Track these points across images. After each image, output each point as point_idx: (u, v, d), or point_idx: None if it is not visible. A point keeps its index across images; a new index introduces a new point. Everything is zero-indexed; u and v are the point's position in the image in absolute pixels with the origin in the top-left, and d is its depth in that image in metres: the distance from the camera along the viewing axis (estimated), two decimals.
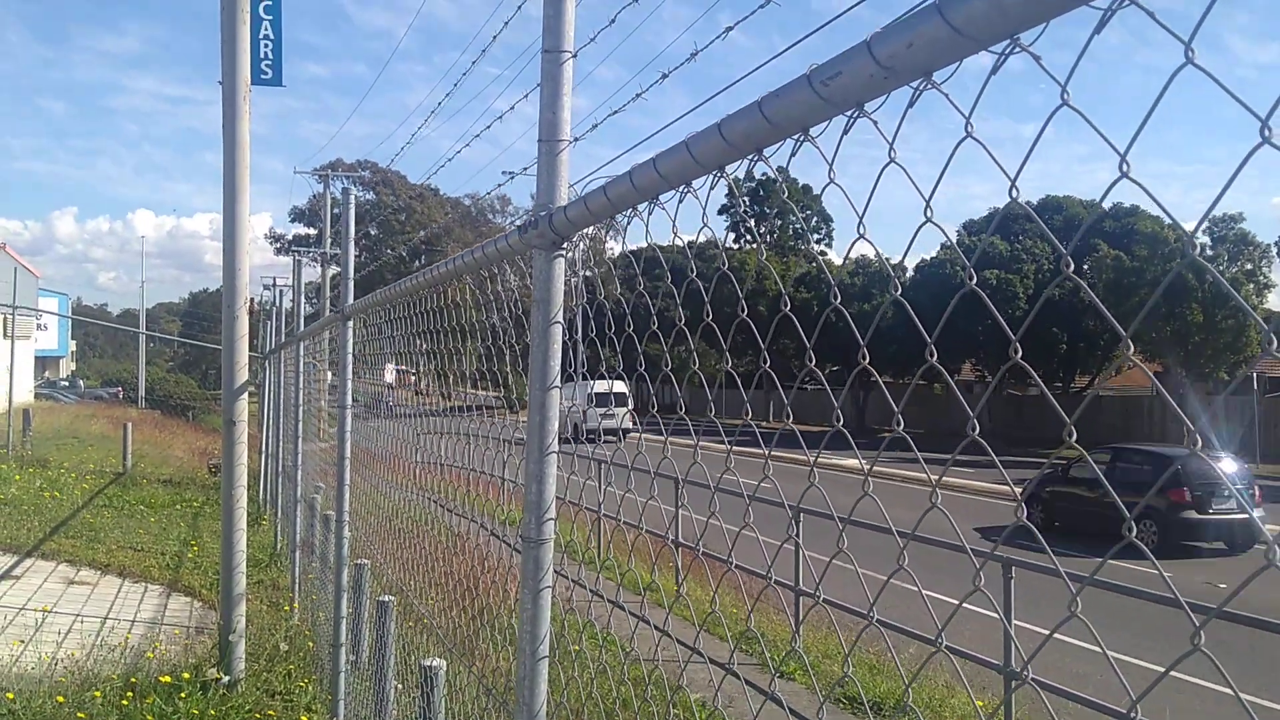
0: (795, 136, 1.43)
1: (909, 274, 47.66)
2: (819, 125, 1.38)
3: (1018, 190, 1.11)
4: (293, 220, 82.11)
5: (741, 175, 1.65)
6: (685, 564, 13.03)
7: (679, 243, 2.10)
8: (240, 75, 7.80)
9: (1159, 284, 37.56)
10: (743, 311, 1.80)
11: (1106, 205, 47.03)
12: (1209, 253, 36.82)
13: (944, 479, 1.27)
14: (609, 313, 2.78)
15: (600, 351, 2.81)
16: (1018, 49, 1.01)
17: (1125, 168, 0.96)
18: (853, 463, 23.66)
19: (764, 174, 1.63)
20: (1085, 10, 0.95)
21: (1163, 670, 1.15)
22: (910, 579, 1.58)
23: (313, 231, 71.43)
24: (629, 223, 2.20)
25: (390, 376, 6.67)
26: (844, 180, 1.48)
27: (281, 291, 18.59)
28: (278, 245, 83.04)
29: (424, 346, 4.28)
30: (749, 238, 69.73)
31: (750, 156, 1.55)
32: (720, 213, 58.10)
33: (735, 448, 2.11)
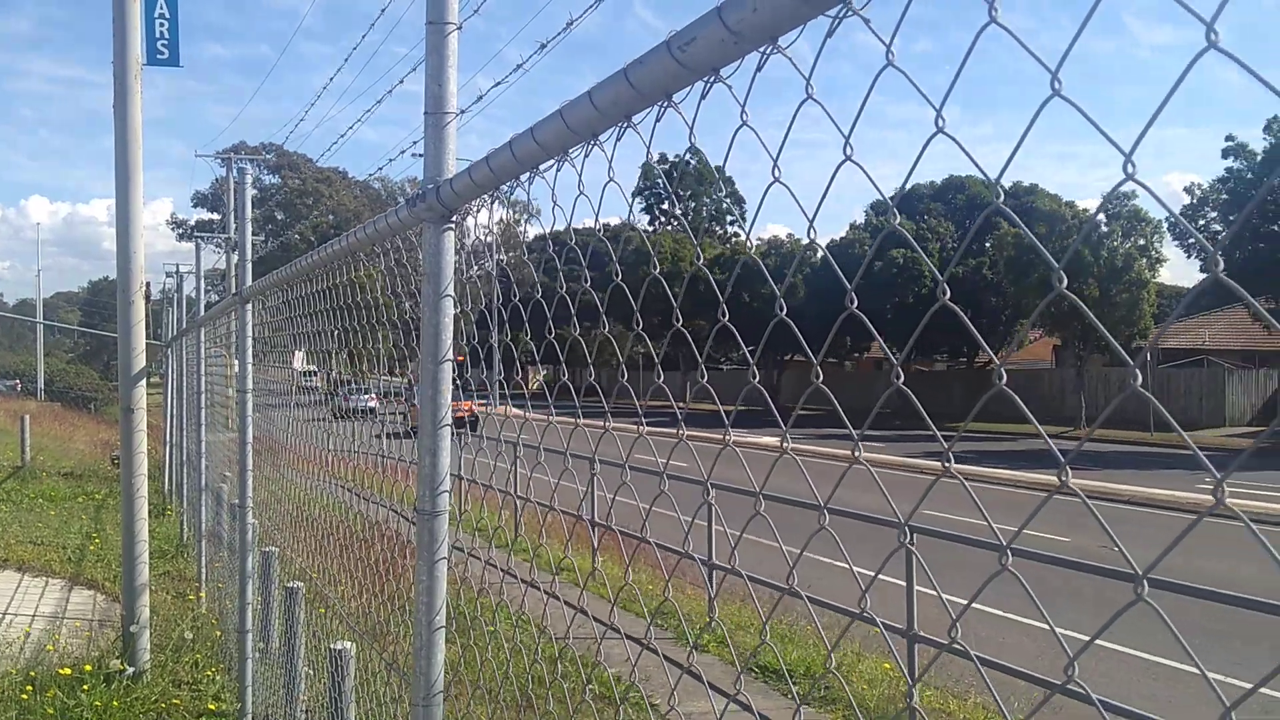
0: (660, 103, 1.47)
1: (819, 254, 48.28)
2: (681, 91, 1.42)
3: (888, 200, 1.15)
4: (195, 205, 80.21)
5: (657, 156, 1.68)
6: (600, 540, 13.09)
7: (569, 217, 2.12)
8: (131, 54, 7.60)
9: (1057, 260, 38.55)
10: (652, 275, 1.83)
11: (1006, 184, 48.16)
12: (1103, 229, 37.95)
13: (859, 454, 1.32)
14: (516, 296, 2.79)
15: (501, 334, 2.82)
16: (850, 13, 1.06)
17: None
18: (770, 440, 24.02)
19: (677, 155, 1.66)
20: None
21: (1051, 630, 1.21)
22: (829, 552, 1.63)
23: (216, 216, 69.77)
24: (514, 193, 2.21)
25: (299, 363, 6.59)
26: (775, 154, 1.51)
27: (183, 278, 18.17)
28: (180, 231, 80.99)
29: (332, 329, 4.25)
30: (664, 220, 69.99)
31: (620, 124, 1.58)
32: (634, 195, 58.09)
33: (651, 429, 2.14)
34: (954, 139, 1.07)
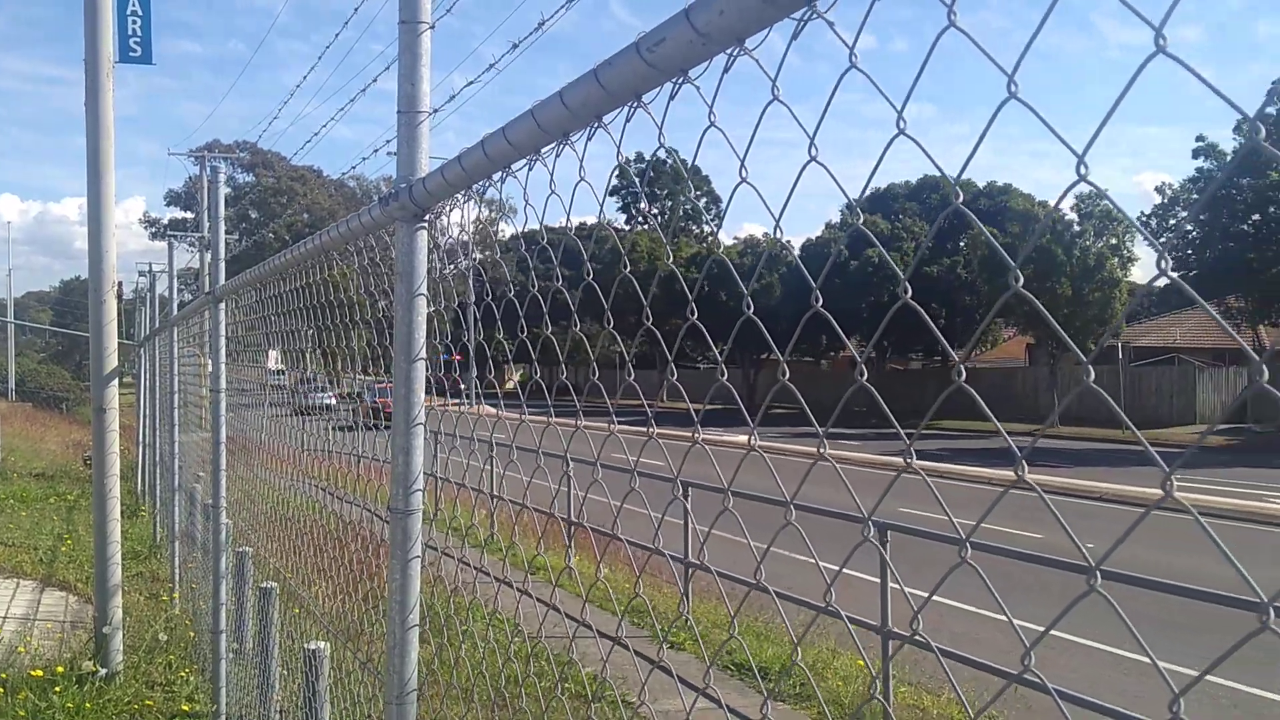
0: (630, 103, 1.48)
1: (796, 252, 48.43)
2: (651, 92, 1.43)
3: (853, 204, 1.17)
4: (168, 204, 79.47)
5: (633, 154, 1.69)
6: (572, 538, 13.10)
7: (542, 216, 2.13)
8: (103, 52, 7.55)
9: (1031, 260, 38.95)
10: (625, 273, 1.84)
11: (980, 184, 48.56)
12: (1075, 228, 38.29)
13: (831, 451, 1.33)
14: (491, 294, 2.79)
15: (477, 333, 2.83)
16: (815, 15, 1.07)
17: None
18: (741, 438, 24.10)
19: (656, 151, 1.66)
20: None
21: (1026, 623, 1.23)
22: (804, 550, 1.64)
23: (190, 215, 69.24)
24: (486, 192, 2.22)
25: (274, 363, 6.57)
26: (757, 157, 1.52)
27: (156, 277, 18.04)
28: (153, 230, 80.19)
29: (305, 328, 4.24)
30: (641, 218, 69.97)
31: (591, 124, 1.60)
32: (611, 194, 58.10)
33: (624, 427, 2.15)
34: (915, 140, 1.09)
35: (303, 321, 4.10)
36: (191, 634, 7.99)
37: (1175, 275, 0.84)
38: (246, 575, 5.83)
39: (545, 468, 2.62)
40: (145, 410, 16.78)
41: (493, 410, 3.03)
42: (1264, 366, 0.78)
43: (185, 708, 6.67)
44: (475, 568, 3.46)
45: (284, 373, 5.87)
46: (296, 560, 5.02)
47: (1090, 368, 0.97)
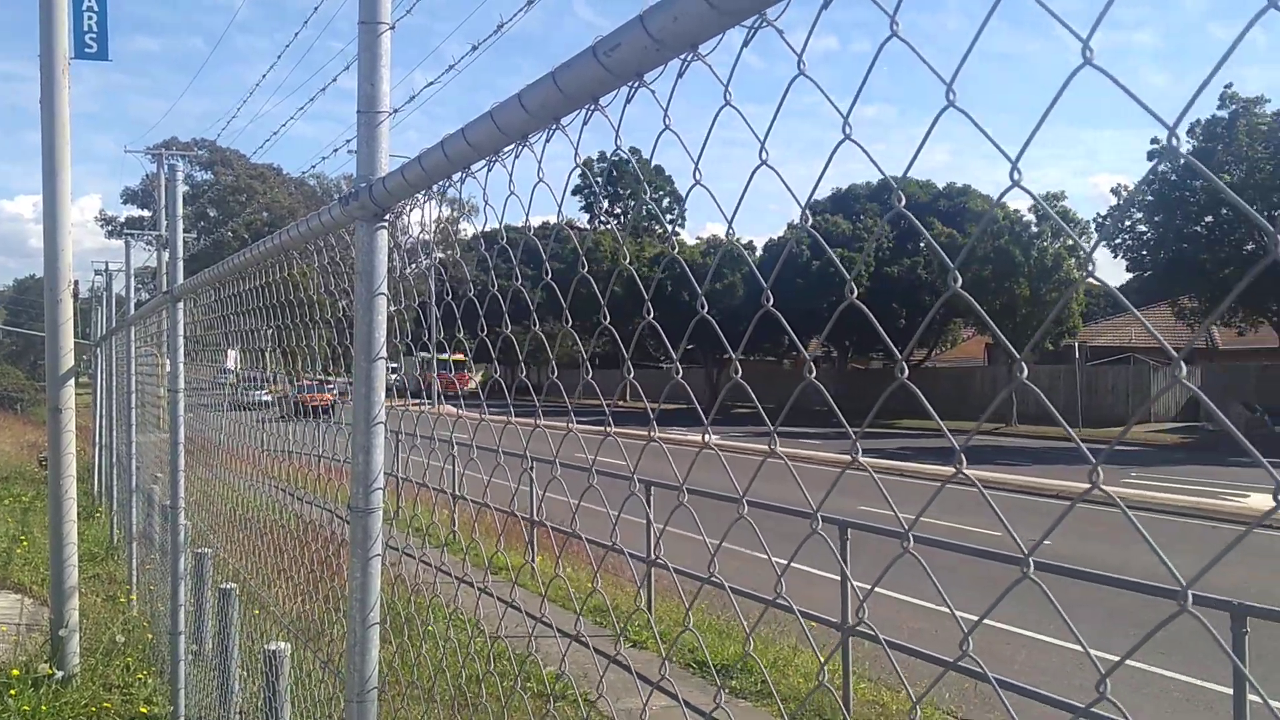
0: (587, 106, 1.50)
1: (758, 253, 48.68)
2: (607, 95, 1.45)
3: (802, 208, 1.20)
4: (125, 202, 78.43)
5: (596, 154, 1.71)
6: (535, 537, 13.10)
7: (501, 216, 2.15)
8: (59, 47, 7.47)
9: (989, 260, 39.43)
10: (584, 271, 1.86)
11: (940, 185, 49.05)
12: (1033, 229, 38.78)
13: (794, 451, 1.36)
14: (452, 294, 2.80)
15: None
16: (765, 24, 1.10)
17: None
18: (698, 438, 24.13)
19: (615, 154, 1.68)
20: None
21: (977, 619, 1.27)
22: (766, 548, 1.67)
23: (147, 213, 68.35)
24: (447, 191, 2.23)
25: (232, 363, 6.54)
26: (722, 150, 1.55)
27: (113, 276, 17.81)
28: (109, 228, 79.14)
29: (264, 328, 4.23)
30: (604, 219, 70.00)
31: (550, 126, 1.62)
32: (574, 193, 58.02)
33: (583, 426, 2.17)
34: (860, 145, 1.12)
35: (261, 321, 4.08)
36: (150, 636, 7.92)
37: (1100, 279, 0.88)
38: (206, 576, 5.79)
39: (505, 466, 2.64)
40: (102, 411, 16.58)
41: (453, 410, 3.05)
42: (1183, 363, 0.82)
43: (143, 710, 6.62)
44: (436, 567, 3.48)
45: (229, 372, 6.06)
46: (257, 561, 5.00)
47: (1025, 364, 1.00)
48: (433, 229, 2.80)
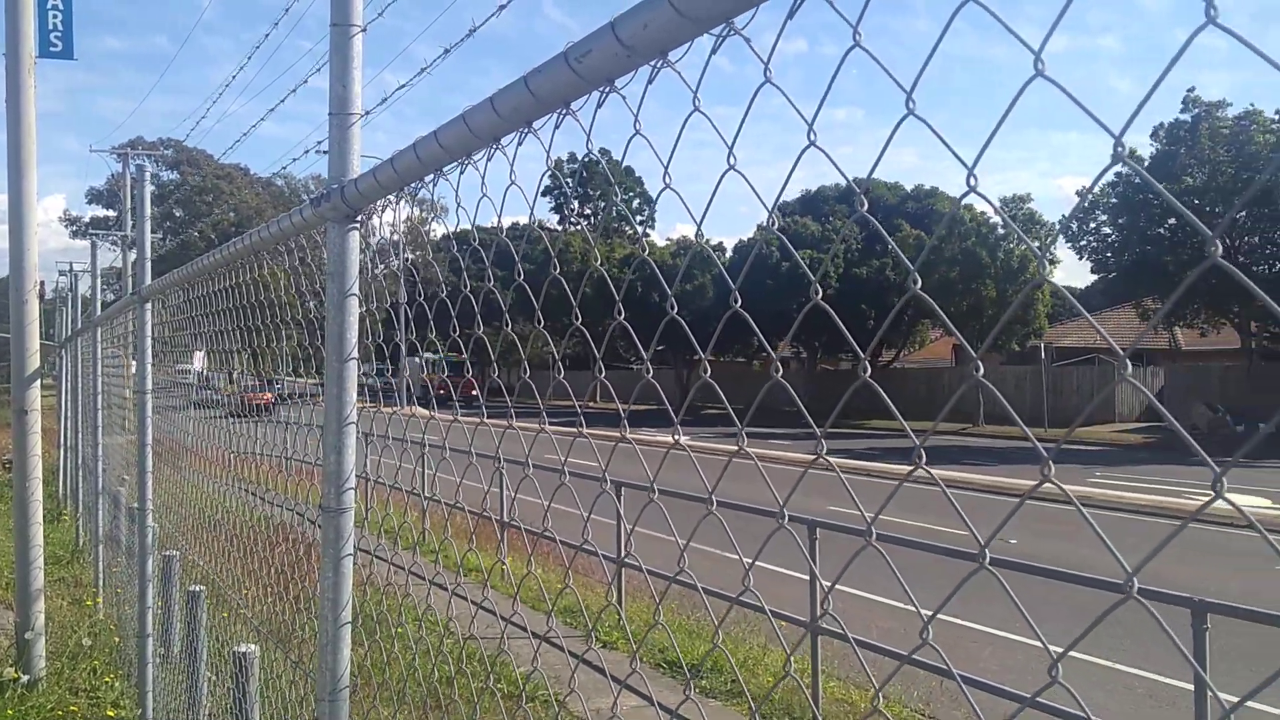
0: (559, 110, 1.53)
1: (728, 254, 48.83)
2: (579, 100, 1.48)
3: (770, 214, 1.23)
4: (90, 202, 77.54)
5: (566, 155, 1.73)
6: (506, 538, 13.09)
7: (474, 217, 2.17)
8: (24, 46, 7.41)
9: (957, 261, 39.77)
10: (556, 272, 1.88)
11: (908, 187, 49.40)
12: (1000, 231, 39.15)
13: (763, 451, 1.39)
14: (423, 295, 2.81)
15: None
16: (732, 32, 1.13)
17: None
18: (669, 439, 24.16)
19: (586, 155, 1.70)
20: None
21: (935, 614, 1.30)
22: (737, 548, 1.69)
23: (112, 213, 67.62)
24: (419, 193, 2.25)
25: (200, 364, 6.52)
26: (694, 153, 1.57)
27: (78, 276, 17.63)
28: (74, 228, 78.23)
29: (232, 329, 4.22)
30: (574, 219, 69.97)
31: (521, 129, 1.64)
32: (544, 194, 57.93)
33: (555, 427, 2.18)
34: (823, 151, 1.16)
35: (230, 322, 4.07)
36: (116, 639, 7.86)
37: (1057, 283, 0.91)
38: (173, 578, 5.76)
39: (478, 466, 2.66)
40: (67, 413, 16.41)
41: (425, 411, 3.06)
42: (1128, 361, 0.86)
43: (110, 713, 6.57)
44: (407, 570, 3.49)
45: (187, 371, 6.29)
46: (226, 563, 4.99)
47: (981, 365, 1.03)
48: (402, 229, 2.81)
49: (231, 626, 5.15)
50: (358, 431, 2.57)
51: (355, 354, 2.50)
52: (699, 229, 1.41)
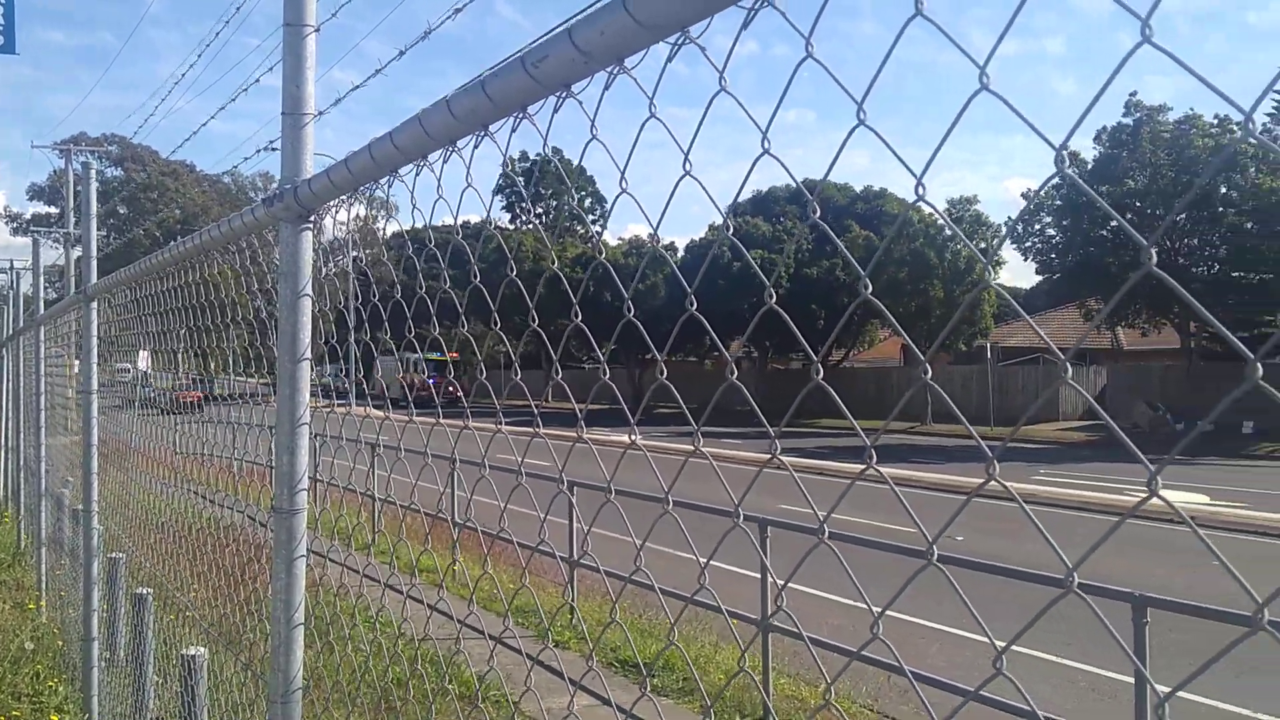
0: (515, 114, 1.54)
1: (680, 254, 48.96)
2: (535, 104, 1.49)
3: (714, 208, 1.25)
4: (31, 198, 76.21)
5: (518, 154, 1.74)
6: (459, 539, 13.04)
7: (429, 218, 2.17)
8: None
9: (905, 263, 40.23)
10: (508, 277, 1.89)
11: (858, 188, 49.83)
12: (946, 233, 39.66)
13: (717, 451, 1.41)
14: (376, 295, 2.81)
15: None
16: (688, 41, 1.16)
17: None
18: (625, 438, 24.22)
19: (538, 154, 1.71)
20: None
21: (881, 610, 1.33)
22: (690, 548, 1.71)
23: (55, 210, 66.37)
24: (374, 193, 2.25)
25: (145, 364, 6.45)
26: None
27: (19, 274, 17.27)
28: (15, 225, 76.73)
29: (180, 328, 4.17)
30: (525, 218, 69.73)
31: (478, 132, 1.65)
32: (496, 193, 57.55)
33: (511, 427, 2.19)
34: (776, 158, 1.18)
35: (178, 321, 4.03)
36: (60, 643, 7.73)
37: (998, 285, 0.94)
38: (119, 581, 5.68)
39: (433, 466, 2.66)
40: (8, 413, 16.07)
41: (379, 412, 3.05)
42: (1068, 364, 0.89)
43: (54, 718, 6.46)
44: (359, 573, 3.47)
45: (127, 369, 6.39)
46: (174, 564, 4.93)
47: (928, 366, 1.06)
48: (351, 228, 2.80)
49: (179, 629, 5.09)
50: (311, 432, 2.56)
51: (308, 354, 2.49)
52: (654, 232, 1.44)
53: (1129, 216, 35.33)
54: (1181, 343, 39.42)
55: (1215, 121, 34.52)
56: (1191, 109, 35.67)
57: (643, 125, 1.34)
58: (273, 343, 3.13)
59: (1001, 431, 34.96)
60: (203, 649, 4.15)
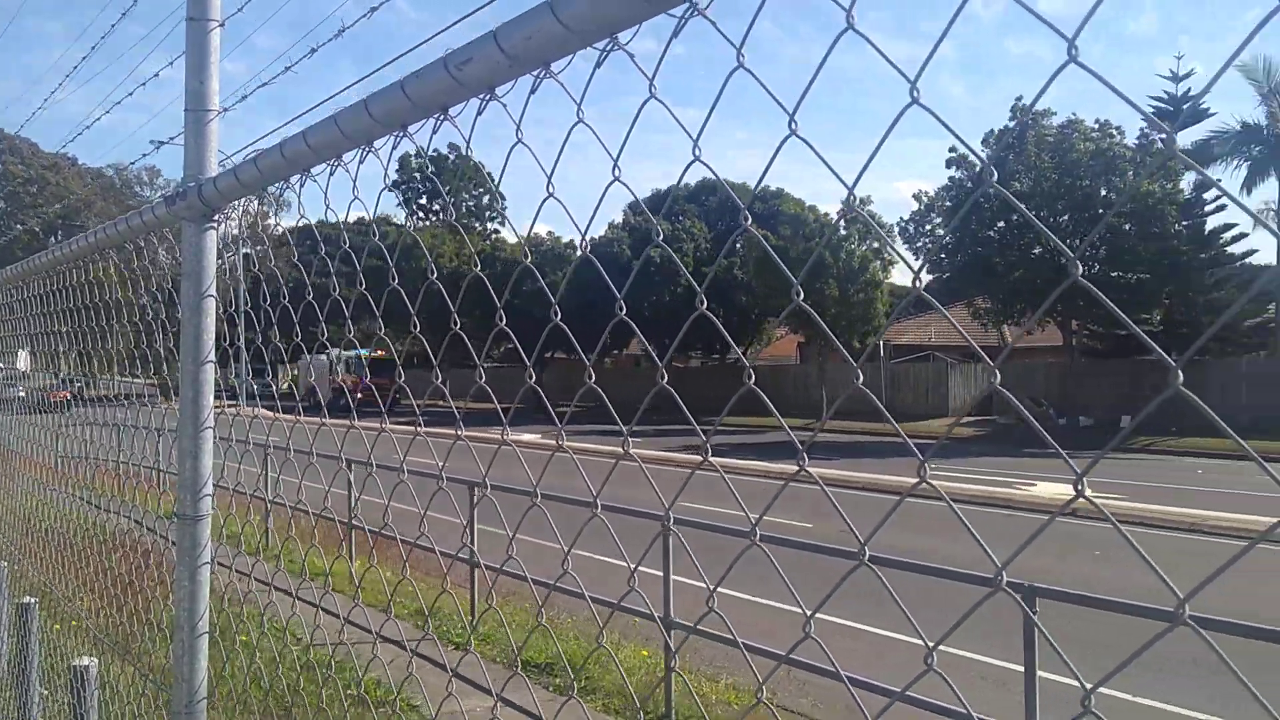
0: (436, 115, 1.53)
1: (578, 253, 48.92)
2: (457, 106, 1.49)
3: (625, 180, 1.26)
4: None
5: (423, 148, 1.72)
6: (355, 543, 12.83)
7: (344, 217, 2.14)
8: None
9: (802, 261, 40.88)
10: (392, 280, 1.88)
11: (752, 187, 50.51)
12: (841, 233, 40.45)
13: (629, 450, 1.42)
14: (266, 290, 2.75)
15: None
16: (616, 47, 1.17)
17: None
18: (530, 437, 24.12)
19: (436, 151, 1.70)
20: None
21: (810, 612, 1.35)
22: (609, 551, 1.72)
23: None
24: (291, 194, 2.21)
25: (24, 364, 6.23)
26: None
27: None
28: None
29: (65, 329, 4.03)
30: (422, 215, 68.91)
31: (396, 133, 1.64)
32: (393, 188, 56.73)
33: (427, 429, 2.16)
34: (708, 166, 1.20)
35: (62, 322, 3.89)
36: None
37: (921, 285, 0.98)
38: (2, 590, 5.46)
39: (318, 467, 2.62)
40: None
41: (269, 413, 2.98)
42: (997, 371, 0.93)
43: None
44: (263, 582, 3.40)
45: (0, 370, 6.37)
46: (62, 571, 4.76)
47: (860, 371, 1.09)
48: (243, 223, 2.74)
49: (68, 639, 4.92)
50: (215, 436, 2.50)
51: (212, 356, 2.44)
52: (584, 238, 1.44)
53: (1014, 218, 36.45)
54: (1064, 340, 40.80)
55: (1096, 126, 35.84)
56: (1074, 114, 36.98)
57: (570, 130, 1.35)
58: (160, 344, 3.04)
59: (905, 429, 35.68)
60: (94, 659, 4.02)
